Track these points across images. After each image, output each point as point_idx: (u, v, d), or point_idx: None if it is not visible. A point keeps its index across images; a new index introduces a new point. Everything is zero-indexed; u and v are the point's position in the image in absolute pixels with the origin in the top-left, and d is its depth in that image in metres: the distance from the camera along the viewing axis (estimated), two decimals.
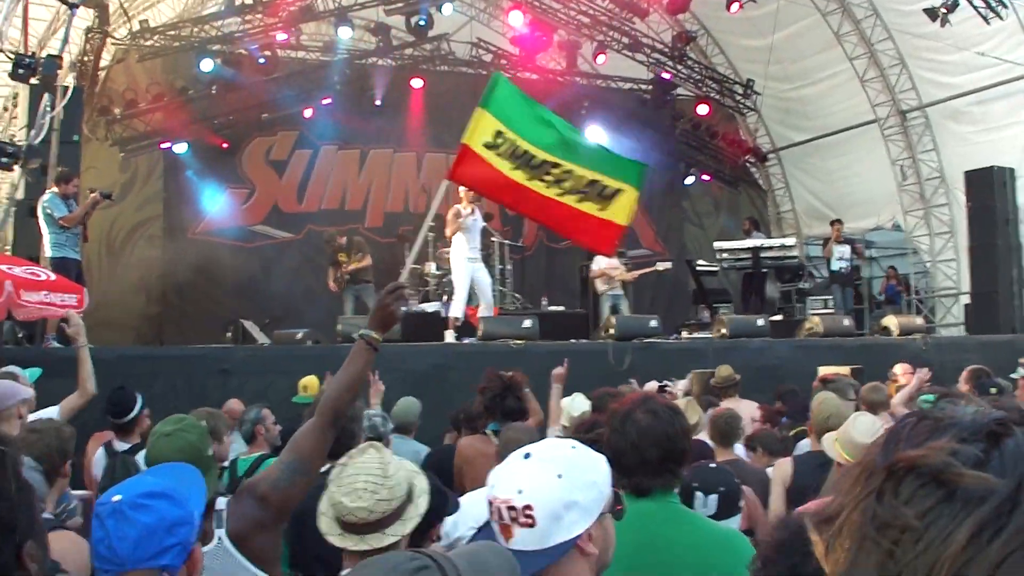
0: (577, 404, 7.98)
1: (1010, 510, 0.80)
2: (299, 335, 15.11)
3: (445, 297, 19.10)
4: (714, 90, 27.97)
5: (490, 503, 2.66)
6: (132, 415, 8.07)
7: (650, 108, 27.34)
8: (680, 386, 9.89)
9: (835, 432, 5.99)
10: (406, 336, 14.63)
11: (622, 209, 7.36)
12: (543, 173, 7.28)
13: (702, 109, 27.27)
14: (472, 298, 16.47)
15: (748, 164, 29.41)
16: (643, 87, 27.50)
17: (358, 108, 24.06)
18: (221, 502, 4.26)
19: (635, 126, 26.87)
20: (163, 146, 22.56)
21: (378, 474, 3.53)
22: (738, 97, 28.00)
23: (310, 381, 10.51)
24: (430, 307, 19.18)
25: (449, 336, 15.70)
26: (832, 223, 21.33)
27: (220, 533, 4.14)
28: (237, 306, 19.31)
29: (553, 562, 2.70)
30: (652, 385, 9.14)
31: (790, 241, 22.30)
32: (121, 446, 8.00)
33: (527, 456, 2.70)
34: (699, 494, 5.02)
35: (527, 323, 15.14)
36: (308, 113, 23.91)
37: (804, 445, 8.17)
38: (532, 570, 2.63)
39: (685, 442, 3.95)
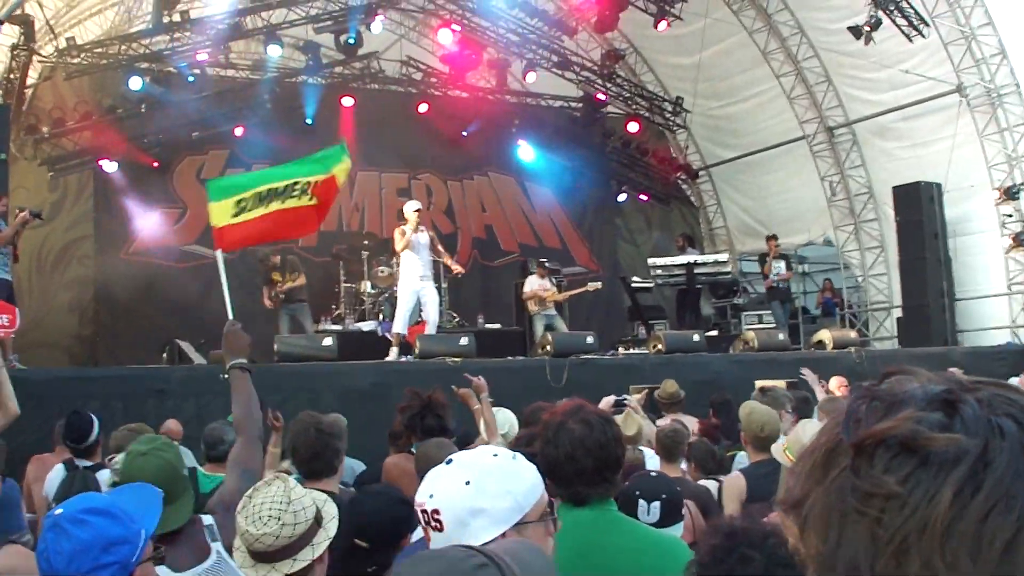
0: (502, 418, 8.00)
1: (984, 467, 0.83)
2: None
3: (381, 316, 19.07)
4: (644, 108, 28.13)
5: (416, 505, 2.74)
6: (91, 440, 8.05)
7: (580, 126, 27.46)
8: (633, 401, 9.90)
9: (784, 440, 6.03)
10: (343, 355, 14.60)
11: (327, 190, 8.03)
12: (289, 194, 7.95)
13: (632, 127, 27.40)
14: (412, 316, 16.42)
15: (680, 181, 29.58)
16: (573, 105, 27.61)
17: (289, 127, 23.88)
18: (207, 518, 4.30)
19: (566, 144, 27.00)
20: (100, 163, 22.24)
21: (281, 501, 3.58)
22: (668, 115, 28.17)
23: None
24: (366, 326, 19.14)
25: (392, 353, 15.66)
26: (768, 239, 21.56)
27: (217, 547, 4.20)
28: (172, 326, 19.13)
29: None
30: (609, 400, 9.15)
31: (723, 257, 22.47)
32: (83, 462, 7.98)
33: (449, 462, 2.76)
34: (642, 502, 5.05)
35: (464, 340, 15.16)
36: (239, 132, 23.70)
37: (742, 459, 8.24)
38: None
39: (619, 450, 3.97)
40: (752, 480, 6.75)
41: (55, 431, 9.14)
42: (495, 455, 2.80)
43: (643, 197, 29.11)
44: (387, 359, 15.47)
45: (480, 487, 2.69)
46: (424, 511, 2.67)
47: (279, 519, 3.51)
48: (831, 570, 0.87)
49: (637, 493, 5.08)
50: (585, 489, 3.85)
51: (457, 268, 17.15)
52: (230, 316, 5.26)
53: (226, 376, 4.82)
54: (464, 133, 25.98)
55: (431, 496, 2.67)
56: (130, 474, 4.39)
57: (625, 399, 9.47)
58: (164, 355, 17.37)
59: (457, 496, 2.66)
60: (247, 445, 4.66)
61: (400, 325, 15.98)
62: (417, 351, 14.90)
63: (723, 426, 10.42)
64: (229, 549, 4.08)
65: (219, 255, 7.19)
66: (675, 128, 28.83)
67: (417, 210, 15.99)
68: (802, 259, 23.98)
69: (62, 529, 2.84)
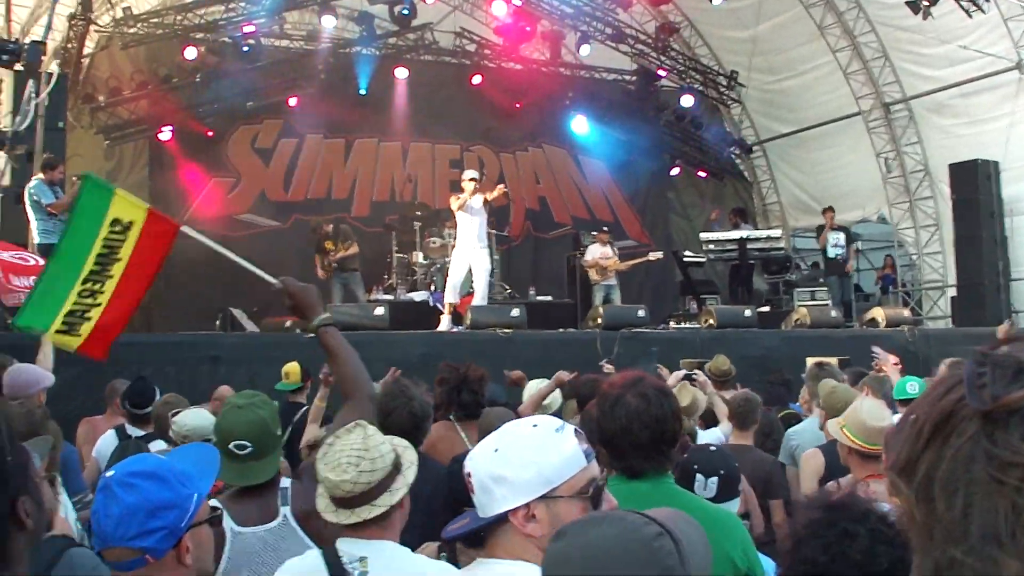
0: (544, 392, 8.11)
1: None
2: (288, 323, 15.10)
3: (432, 286, 19.11)
4: (698, 81, 27.98)
5: None
6: (151, 407, 8.15)
7: (634, 99, 27.33)
8: (702, 377, 9.84)
9: (839, 418, 5.97)
10: (394, 325, 14.65)
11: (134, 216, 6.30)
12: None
13: (687, 101, 27.19)
14: (464, 286, 16.46)
15: (733, 156, 29.43)
16: (627, 78, 27.50)
17: (343, 97, 23.97)
18: (285, 481, 4.35)
19: (620, 117, 26.92)
20: (155, 132, 22.37)
21: (360, 448, 3.60)
22: (722, 89, 28.01)
23: (292, 368, 10.50)
24: (418, 296, 19.18)
25: (444, 323, 15.71)
26: (824, 211, 21.38)
27: (285, 511, 4.28)
28: (225, 295, 19.19)
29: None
30: (678, 374, 9.15)
31: (776, 232, 22.37)
32: (135, 432, 8.03)
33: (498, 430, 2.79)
34: (700, 476, 5.01)
35: (515, 312, 15.18)
36: (293, 102, 23.80)
37: (802, 431, 8.22)
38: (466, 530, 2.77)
39: (675, 424, 3.97)
40: (831, 457, 6.64)
41: (107, 392, 9.24)
42: (535, 425, 2.78)
43: (701, 174, 28.99)
44: (439, 329, 15.51)
45: (505, 455, 2.69)
46: (468, 473, 2.70)
47: (357, 466, 3.56)
48: (962, 538, 0.86)
49: (695, 467, 5.06)
50: (640, 462, 3.89)
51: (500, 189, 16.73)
52: (272, 281, 5.01)
53: (312, 335, 4.58)
54: (517, 105, 25.94)
55: (470, 460, 2.72)
56: (224, 426, 4.44)
57: (694, 375, 9.42)
58: (217, 323, 17.52)
59: (484, 462, 2.69)
60: (358, 407, 4.32)
61: (452, 295, 16.02)
62: (468, 321, 14.94)
63: (777, 400, 10.42)
64: (299, 515, 4.24)
65: (188, 230, 6.06)
66: (729, 102, 28.67)
67: (473, 178, 16.04)
68: (856, 236, 23.73)
69: (111, 492, 2.87)
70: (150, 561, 2.89)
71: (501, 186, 16.73)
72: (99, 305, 5.81)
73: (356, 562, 3.59)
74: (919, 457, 0.91)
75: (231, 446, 4.29)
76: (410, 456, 3.82)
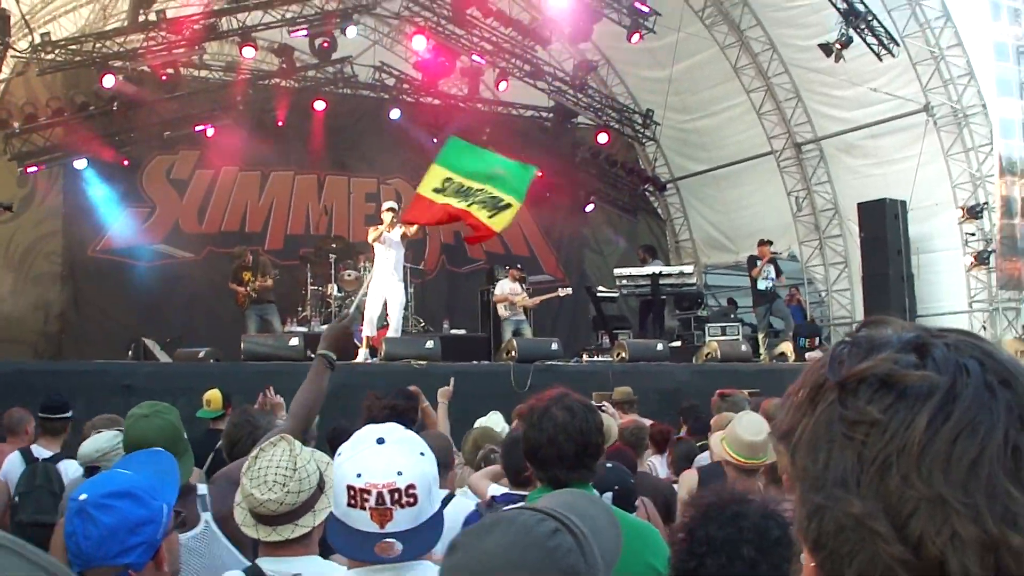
0: (494, 421, 8.14)
1: (952, 400, 0.98)
2: (201, 353, 15.05)
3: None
4: (614, 119, 28.20)
5: (362, 490, 2.71)
6: (68, 414, 8.14)
7: (551, 136, 27.57)
8: (610, 407, 10.04)
9: (720, 433, 6.16)
10: (309, 356, 14.63)
11: (503, 219, 9.01)
12: (472, 197, 9.04)
13: (602, 138, 27.46)
14: (381, 319, 16.48)
15: (647, 193, 29.73)
16: (544, 115, 27.72)
17: (260, 129, 23.91)
18: (202, 487, 4.35)
19: (536, 153, 26.85)
20: (70, 159, 22.20)
21: (287, 466, 3.56)
22: (638, 127, 28.23)
23: (213, 395, 10.46)
24: None
25: (361, 355, 15.73)
26: (760, 243, 21.45)
27: (207, 516, 4.29)
28: (138, 325, 19.09)
29: (435, 542, 2.84)
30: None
31: (689, 269, 22.57)
32: (42, 453, 7.97)
33: (381, 441, 2.78)
34: (593, 492, 5.14)
35: (430, 344, 15.24)
36: (210, 133, 23.70)
37: (704, 458, 8.39)
38: (420, 552, 2.79)
39: (599, 437, 4.10)
40: (705, 477, 6.83)
41: (6, 420, 9.14)
42: (404, 427, 2.91)
43: (590, 206, 29.16)
44: (355, 360, 15.53)
45: (430, 456, 2.83)
46: (394, 490, 2.68)
47: (284, 485, 3.53)
48: (821, 487, 1.01)
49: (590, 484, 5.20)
50: (565, 473, 3.99)
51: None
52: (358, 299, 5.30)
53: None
54: (435, 140, 25.95)
55: (400, 473, 2.70)
56: (134, 436, 4.48)
57: (603, 406, 9.60)
58: (130, 353, 17.35)
59: (421, 468, 2.75)
60: (293, 432, 4.36)
61: (369, 328, 16.05)
62: (383, 353, 14.98)
63: (692, 429, 10.62)
64: (219, 519, 4.23)
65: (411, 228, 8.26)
66: (644, 140, 28.89)
67: (390, 208, 16.08)
68: (781, 269, 23.98)
69: (88, 515, 2.90)
70: (132, 575, 2.95)
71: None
72: (448, 199, 8.74)
73: None
74: (796, 423, 1.06)
75: None
76: (332, 475, 3.81)
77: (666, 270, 21.65)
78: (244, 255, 18.52)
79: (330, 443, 7.36)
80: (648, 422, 10.81)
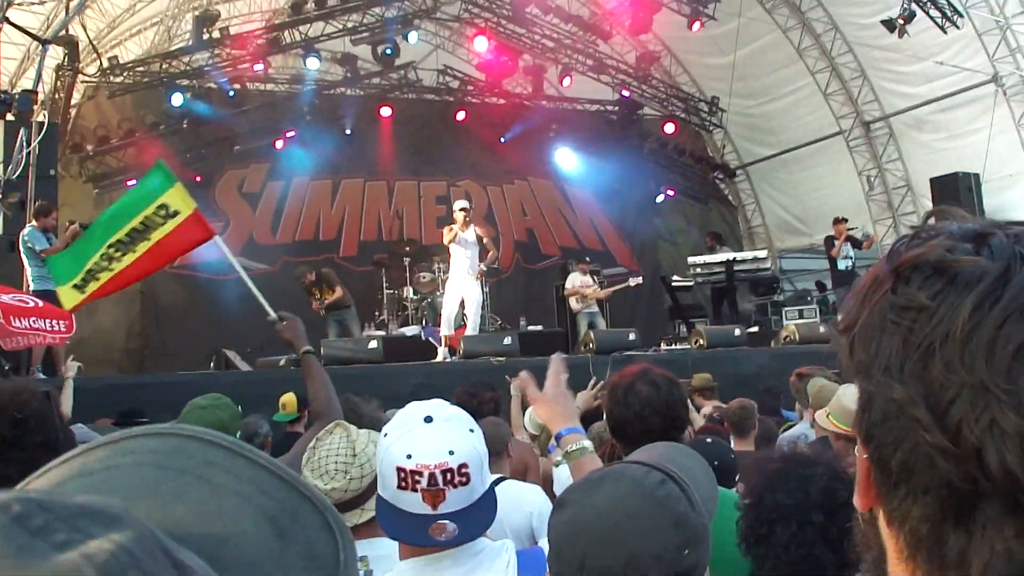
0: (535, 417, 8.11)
1: (1003, 285, 0.96)
2: (281, 362, 15.18)
3: (424, 320, 19.24)
4: (680, 109, 28.17)
5: (413, 472, 2.63)
6: (144, 419, 8.28)
7: (617, 128, 27.56)
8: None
9: (825, 408, 6.11)
10: (387, 358, 14.75)
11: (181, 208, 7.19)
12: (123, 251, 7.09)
13: (669, 128, 27.44)
14: (457, 319, 16.54)
15: (717, 180, 29.61)
16: (610, 108, 27.74)
17: (328, 138, 24.11)
18: None
19: (604, 147, 27.03)
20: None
21: (346, 453, 3.56)
22: (704, 115, 28.18)
23: (288, 399, 10.61)
24: (409, 331, 19.26)
25: (440, 354, 15.79)
26: (836, 222, 21.16)
27: None
28: (217, 338, 19.30)
29: (491, 521, 2.79)
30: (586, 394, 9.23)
31: (762, 254, 22.41)
32: None
33: (429, 419, 2.72)
34: None
35: (508, 340, 15.28)
36: (279, 144, 23.94)
37: (794, 432, 8.37)
38: (476, 532, 2.75)
39: (684, 411, 4.09)
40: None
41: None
42: (449, 404, 2.87)
43: (672, 193, 29.07)
44: (434, 360, 15.60)
45: (478, 432, 2.77)
46: (447, 470, 2.63)
47: (346, 472, 3.51)
48: (869, 375, 1.00)
49: None
50: None
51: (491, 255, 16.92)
52: (271, 314, 5.22)
53: (297, 367, 4.76)
54: (502, 140, 26.11)
55: (451, 453, 2.64)
56: (185, 423, 4.54)
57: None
58: (211, 364, 17.58)
59: (471, 445, 2.69)
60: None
61: (447, 327, 16.11)
62: (461, 351, 15.03)
63: (770, 411, 10.56)
64: None
65: (221, 244, 6.79)
66: (711, 128, 28.85)
67: (463, 208, 16.12)
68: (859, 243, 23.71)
69: None
70: None
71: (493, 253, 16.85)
72: (111, 271, 6.34)
73: (357, 563, 3.56)
74: (855, 317, 1.06)
75: None
76: None
77: (740, 256, 21.51)
78: (304, 276, 18.65)
79: None
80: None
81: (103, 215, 6.84)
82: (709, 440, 5.73)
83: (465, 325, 16.65)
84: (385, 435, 2.76)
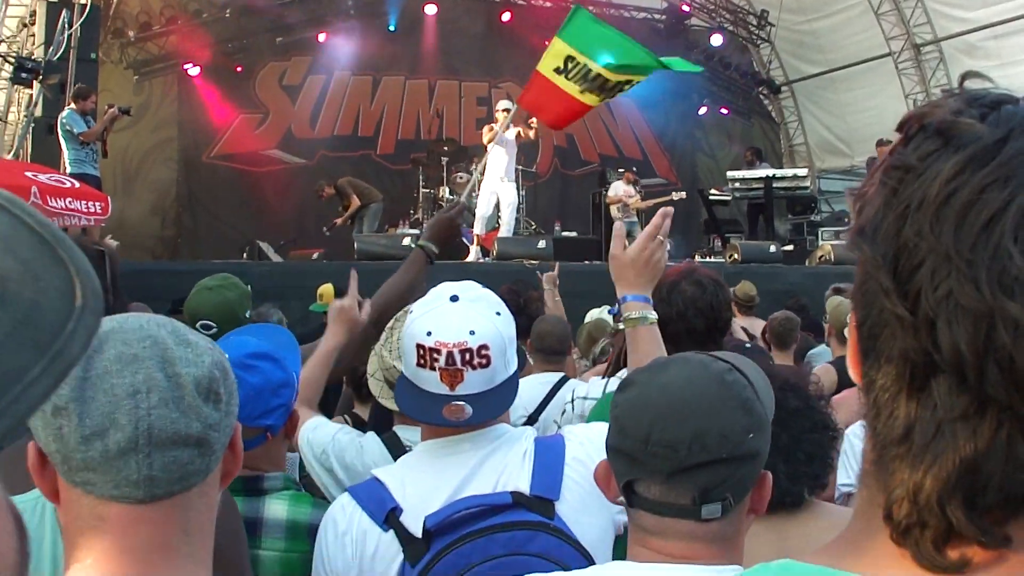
0: (608, 315, 8.05)
1: (996, 150, 0.91)
2: (314, 255, 15.24)
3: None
4: (728, 21, 27.84)
5: (432, 349, 2.58)
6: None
7: (663, 38, 27.19)
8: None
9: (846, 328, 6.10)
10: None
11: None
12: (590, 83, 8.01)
13: (716, 40, 27.11)
14: (491, 220, 16.54)
15: (761, 96, 29.34)
16: (657, 16, 27.41)
17: (371, 34, 23.99)
18: None
19: None
20: (184, 67, 22.41)
21: None
22: (752, 28, 27.86)
23: (326, 290, 10.56)
24: None
25: (472, 254, 15.80)
26: (879, 144, 20.94)
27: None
28: (252, 229, 19.41)
29: (509, 405, 2.76)
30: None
31: (803, 172, 22.24)
32: None
33: (455, 299, 2.66)
34: None
35: (542, 244, 15.29)
36: (322, 38, 23.81)
37: (820, 352, 8.32)
38: (491, 415, 2.69)
39: (727, 313, 4.05)
40: (842, 371, 6.73)
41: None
42: (482, 286, 2.80)
43: (724, 111, 28.85)
44: (467, 260, 15.61)
45: (506, 316, 2.71)
46: (466, 350, 2.57)
47: None
48: (862, 236, 0.96)
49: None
50: (694, 348, 3.93)
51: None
52: (462, 200, 5.06)
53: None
54: (547, 43, 25.72)
55: (472, 333, 2.58)
56: (193, 306, 4.50)
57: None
58: (244, 255, 17.66)
59: (495, 328, 2.63)
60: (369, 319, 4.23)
61: (480, 226, 16.10)
62: (495, 253, 15.04)
63: (804, 326, 10.54)
64: None
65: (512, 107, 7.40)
66: (759, 42, 28.51)
67: (506, 109, 16.02)
68: None
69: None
70: (269, 438, 3.00)
71: (533, 120, 16.67)
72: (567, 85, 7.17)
73: None
74: (866, 182, 1.02)
75: (197, 326, 4.37)
76: None
77: (780, 173, 21.38)
78: (321, 190, 18.72)
79: None
80: (761, 324, 10.73)
81: None
82: (748, 345, 5.70)
83: (498, 227, 16.61)
84: (411, 311, 2.73)
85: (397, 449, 3.43)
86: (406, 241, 14.80)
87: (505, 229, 16.33)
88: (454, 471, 2.62)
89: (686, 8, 26.89)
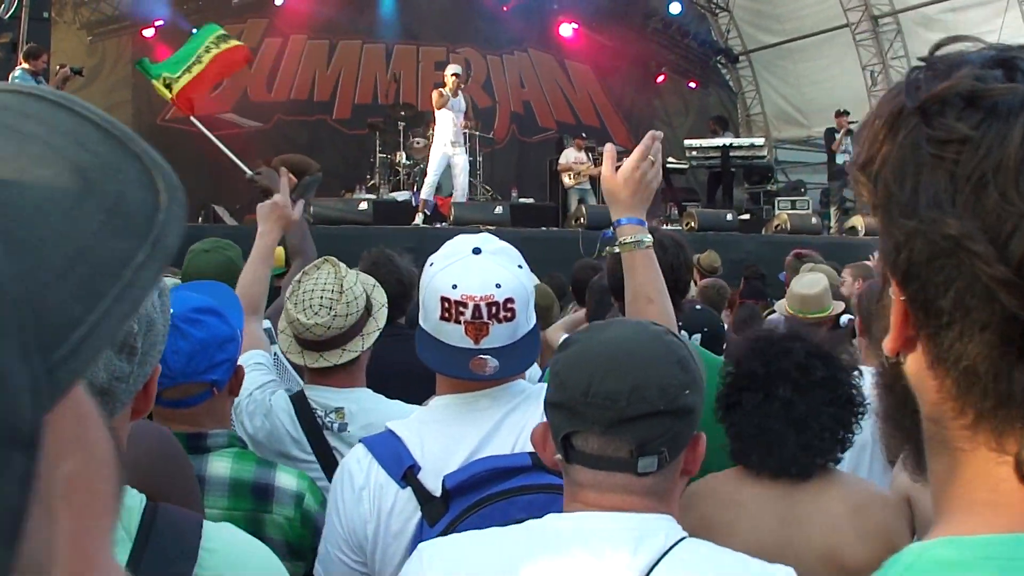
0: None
1: None
2: None
3: (416, 186, 19.17)
4: None
5: (458, 303, 2.55)
6: None
7: (622, 5, 27.20)
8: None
9: (783, 300, 6.23)
10: (377, 221, 14.72)
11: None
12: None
13: (675, 8, 27.07)
14: (442, 188, 16.49)
15: (719, 65, 29.40)
16: None
17: None
18: (266, 322, 4.29)
19: (607, 23, 26.76)
20: (139, 28, 22.18)
21: (333, 289, 3.46)
22: None
23: (277, 252, 10.51)
24: (400, 196, 19.20)
25: (418, 219, 15.76)
26: (838, 114, 21.03)
27: (275, 348, 4.16)
28: (207, 192, 19.25)
29: (532, 361, 2.78)
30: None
31: (760, 141, 22.35)
32: None
33: (477, 251, 2.63)
34: (683, 333, 5.09)
35: (498, 210, 15.31)
36: (279, 1, 23.61)
37: (775, 318, 8.36)
38: (516, 371, 2.68)
39: (688, 275, 4.06)
40: None
41: None
42: (497, 238, 2.76)
43: (692, 85, 28.91)
44: (412, 225, 15.58)
45: (527, 269, 2.69)
46: (492, 303, 2.55)
47: (331, 309, 3.41)
48: (912, 212, 0.95)
49: (680, 324, 5.15)
50: None
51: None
52: (248, 172, 5.21)
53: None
54: (504, 8, 25.75)
55: (498, 286, 2.55)
56: (192, 269, 4.48)
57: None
58: (199, 219, 17.55)
59: (519, 281, 2.61)
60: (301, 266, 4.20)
61: (427, 191, 16.07)
62: (452, 218, 15.02)
63: (755, 294, 10.60)
64: None
65: (194, 120, 8.30)
66: (717, 11, 28.56)
67: (455, 74, 16.00)
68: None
69: (177, 329, 2.81)
70: (215, 393, 2.97)
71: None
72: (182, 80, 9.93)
73: (332, 413, 3.50)
74: (875, 152, 1.00)
75: None
76: (379, 297, 3.72)
77: (737, 142, 21.48)
78: (253, 182, 18.76)
79: None
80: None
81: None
82: (699, 307, 5.71)
83: (452, 195, 16.60)
84: (431, 264, 2.68)
85: (305, 413, 3.48)
86: (363, 206, 14.78)
87: (459, 194, 16.31)
88: (473, 429, 2.60)
89: None
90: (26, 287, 0.59)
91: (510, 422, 2.60)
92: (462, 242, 2.68)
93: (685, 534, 1.94)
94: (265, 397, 3.42)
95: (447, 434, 2.59)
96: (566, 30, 26.57)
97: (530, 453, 2.46)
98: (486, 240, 2.69)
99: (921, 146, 0.96)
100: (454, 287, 2.56)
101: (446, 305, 2.56)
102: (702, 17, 28.96)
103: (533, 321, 2.70)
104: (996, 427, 0.94)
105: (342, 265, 3.60)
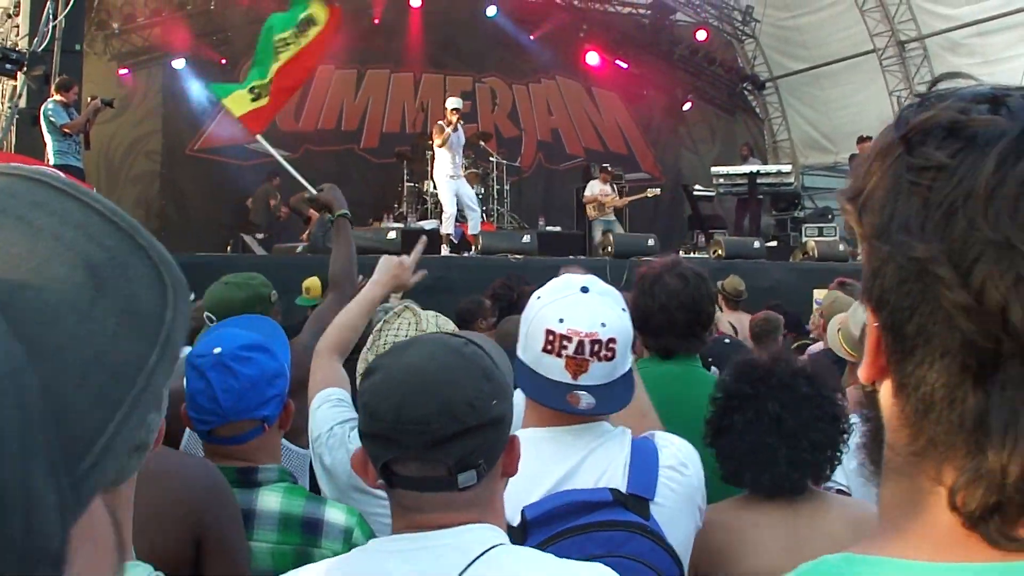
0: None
1: None
2: (298, 249, 15.22)
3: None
4: (713, 16, 27.89)
5: (563, 336, 2.58)
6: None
7: (648, 33, 27.30)
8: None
9: (837, 320, 5.98)
10: (406, 250, 14.74)
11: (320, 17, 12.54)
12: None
13: (700, 35, 27.18)
14: (460, 215, 16.54)
15: (746, 92, 29.40)
16: (641, 11, 27.47)
17: (356, 27, 23.88)
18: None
19: (633, 50, 26.86)
20: (168, 59, 22.35)
21: (414, 335, 3.36)
22: (737, 24, 27.91)
23: (312, 283, 10.52)
24: (428, 224, 19.25)
25: (444, 251, 15.79)
26: (860, 140, 20.93)
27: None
28: (236, 222, 19.37)
29: (626, 402, 2.73)
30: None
31: (787, 168, 22.32)
32: None
33: (585, 290, 2.66)
34: (713, 369, 5.08)
35: (526, 238, 15.30)
36: None
37: (813, 350, 8.32)
38: (611, 409, 2.70)
39: (710, 307, 4.05)
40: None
41: None
42: (594, 280, 2.77)
43: (687, 104, 28.92)
44: (444, 255, 15.63)
45: (628, 313, 2.72)
46: (596, 341, 2.58)
47: None
48: (886, 238, 0.98)
49: (709, 359, 5.12)
50: (675, 342, 3.96)
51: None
52: (311, 191, 5.16)
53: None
54: (531, 37, 25.85)
55: (603, 325, 2.59)
56: (220, 301, 4.50)
57: None
58: (228, 248, 17.66)
59: (623, 323, 2.65)
60: (334, 303, 4.38)
61: (448, 226, 16.06)
62: (480, 247, 15.04)
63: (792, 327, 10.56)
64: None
65: (260, 139, 7.95)
66: (744, 38, 28.58)
67: (455, 109, 15.96)
68: None
69: (227, 368, 2.91)
70: (266, 429, 3.03)
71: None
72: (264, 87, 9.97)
73: None
74: (864, 183, 1.04)
75: (204, 316, 4.47)
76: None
77: (764, 169, 21.47)
78: (279, 211, 18.99)
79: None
80: (747, 318, 10.76)
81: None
82: (727, 340, 5.71)
83: (467, 222, 16.66)
84: (538, 297, 2.73)
85: None
86: (391, 235, 14.82)
87: (473, 223, 16.33)
88: (558, 463, 2.63)
89: (669, 3, 26.88)
90: (50, 400, 0.62)
91: (592, 460, 2.62)
92: (570, 279, 2.73)
93: (505, 540, 1.99)
94: (345, 431, 3.45)
95: (531, 466, 2.55)
96: (593, 58, 26.64)
97: (611, 489, 2.49)
98: (592, 281, 2.73)
99: (902, 175, 0.99)
100: (560, 321, 2.60)
101: (550, 337, 2.60)
102: (728, 44, 28.98)
103: (629, 364, 2.72)
104: (941, 454, 0.97)
105: (420, 312, 3.54)
